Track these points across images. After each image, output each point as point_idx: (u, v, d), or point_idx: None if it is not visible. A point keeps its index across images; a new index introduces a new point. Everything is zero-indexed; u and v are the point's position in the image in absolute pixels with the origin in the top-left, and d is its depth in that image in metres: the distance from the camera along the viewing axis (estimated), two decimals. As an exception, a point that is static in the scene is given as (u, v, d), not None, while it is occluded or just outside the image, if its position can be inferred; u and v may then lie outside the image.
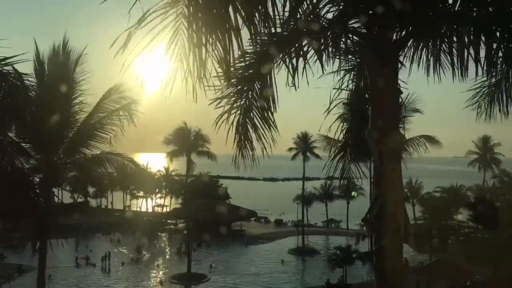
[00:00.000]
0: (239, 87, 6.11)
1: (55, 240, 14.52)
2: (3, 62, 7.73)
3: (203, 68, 4.33)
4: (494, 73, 5.67)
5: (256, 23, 4.30)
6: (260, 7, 4.29)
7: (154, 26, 4.14)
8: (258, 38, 5.28)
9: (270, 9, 4.32)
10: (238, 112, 6.23)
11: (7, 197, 11.71)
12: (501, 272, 35.77)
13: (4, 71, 8.21)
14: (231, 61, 4.41)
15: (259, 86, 6.10)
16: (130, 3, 3.84)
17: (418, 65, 6.26)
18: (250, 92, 6.17)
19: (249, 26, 4.26)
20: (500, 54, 5.31)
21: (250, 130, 6.31)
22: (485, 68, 5.28)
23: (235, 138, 6.28)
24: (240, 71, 6.01)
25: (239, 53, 4.53)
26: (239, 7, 4.19)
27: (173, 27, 4.26)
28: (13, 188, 11.72)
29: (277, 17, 4.69)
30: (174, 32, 4.27)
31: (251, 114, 6.27)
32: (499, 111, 6.70)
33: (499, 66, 5.52)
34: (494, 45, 5.19)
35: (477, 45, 5.12)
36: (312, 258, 58.52)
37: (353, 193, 67.58)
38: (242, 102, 6.20)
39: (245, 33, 4.34)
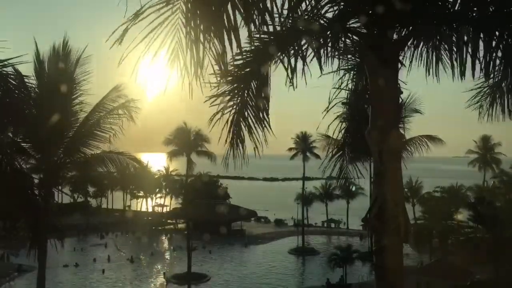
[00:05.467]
0: (235, 85, 6.00)
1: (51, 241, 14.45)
2: (2, 63, 7.72)
3: (200, 65, 4.30)
4: (493, 73, 5.64)
5: (255, 21, 4.27)
6: (260, 5, 4.26)
7: (152, 20, 4.11)
8: (257, 36, 5.24)
9: (269, 6, 4.28)
10: (233, 111, 6.12)
11: (7, 197, 11.71)
12: (501, 272, 35.75)
13: (4, 72, 8.21)
14: (228, 58, 4.38)
15: (255, 85, 6.02)
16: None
17: (418, 65, 6.25)
18: (246, 91, 6.06)
19: (247, 24, 4.23)
20: (500, 54, 5.30)
21: (244, 129, 6.19)
22: (483, 68, 5.26)
23: (227, 136, 6.17)
24: (237, 70, 5.92)
25: (237, 51, 4.49)
26: (238, 4, 4.16)
27: (170, 23, 4.21)
28: (12, 188, 11.71)
29: (276, 15, 4.66)
30: (171, 27, 4.23)
31: (246, 114, 6.16)
32: (502, 111, 6.67)
33: (498, 65, 5.50)
34: (493, 44, 5.18)
35: (477, 44, 5.11)
36: (312, 258, 58.51)
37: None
38: (237, 101, 6.09)
39: (243, 31, 4.30)
